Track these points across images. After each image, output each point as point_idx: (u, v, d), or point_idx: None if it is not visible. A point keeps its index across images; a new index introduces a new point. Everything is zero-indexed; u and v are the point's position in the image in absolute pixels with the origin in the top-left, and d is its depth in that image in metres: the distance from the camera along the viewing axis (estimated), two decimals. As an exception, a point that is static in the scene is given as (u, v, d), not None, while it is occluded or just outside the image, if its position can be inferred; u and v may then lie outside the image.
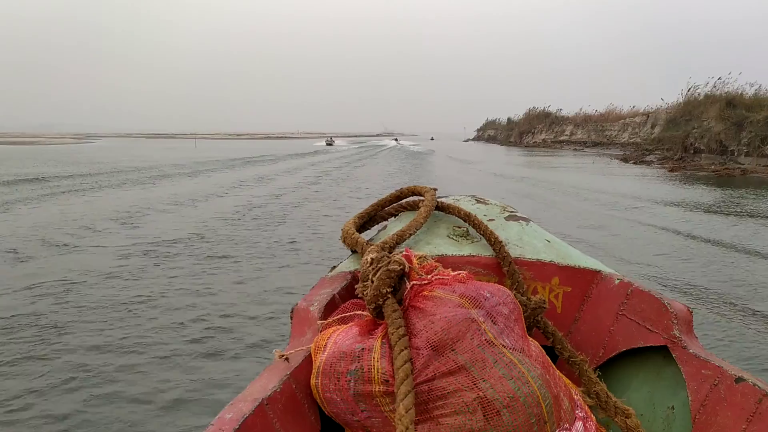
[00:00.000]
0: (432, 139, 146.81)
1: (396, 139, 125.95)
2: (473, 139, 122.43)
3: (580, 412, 1.59)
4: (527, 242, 2.15)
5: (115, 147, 73.51)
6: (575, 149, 60.17)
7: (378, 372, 1.39)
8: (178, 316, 6.32)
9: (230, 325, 6.04)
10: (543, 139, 71.89)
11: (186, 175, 27.44)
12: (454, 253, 2.04)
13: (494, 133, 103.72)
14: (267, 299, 6.99)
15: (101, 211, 14.49)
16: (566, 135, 67.99)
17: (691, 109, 39.57)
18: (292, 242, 10.49)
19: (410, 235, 2.03)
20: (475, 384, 1.36)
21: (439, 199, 2.31)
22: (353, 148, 72.70)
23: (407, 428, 1.24)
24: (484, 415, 1.34)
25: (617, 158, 42.39)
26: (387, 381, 1.38)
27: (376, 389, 1.39)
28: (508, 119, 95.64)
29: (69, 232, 11.47)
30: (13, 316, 6.35)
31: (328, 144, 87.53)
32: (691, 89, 41.98)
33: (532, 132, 76.87)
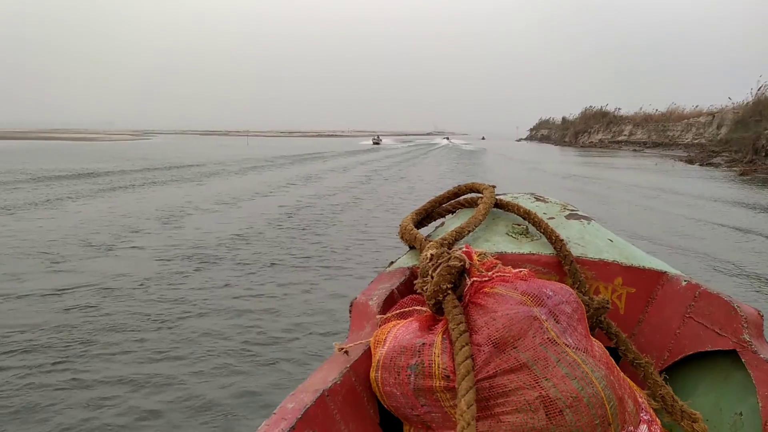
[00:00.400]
0: (483, 138, 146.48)
1: (447, 138, 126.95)
2: (525, 139, 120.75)
3: (645, 415, 1.55)
4: (589, 241, 2.10)
5: (170, 144, 75.04)
6: (635, 150, 58.28)
7: (439, 367, 1.39)
8: (220, 333, 5.80)
9: (279, 347, 5.42)
10: (600, 139, 69.96)
11: (234, 173, 27.62)
12: (514, 251, 2.02)
13: (548, 132, 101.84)
14: (319, 309, 6.54)
15: (146, 209, 14.48)
16: (625, 135, 65.96)
17: (761, 109, 37.70)
18: (342, 247, 10.04)
19: (469, 231, 2.02)
20: (537, 382, 1.35)
21: (497, 197, 2.28)
22: (403, 147, 72.38)
23: (469, 424, 1.23)
24: (547, 414, 1.32)
25: (681, 160, 40.81)
26: (448, 376, 1.38)
27: (437, 384, 1.39)
28: (563, 118, 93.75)
29: (110, 232, 11.30)
30: (34, 329, 5.82)
31: (375, 143, 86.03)
32: (762, 88, 39.93)
33: (588, 132, 74.93)
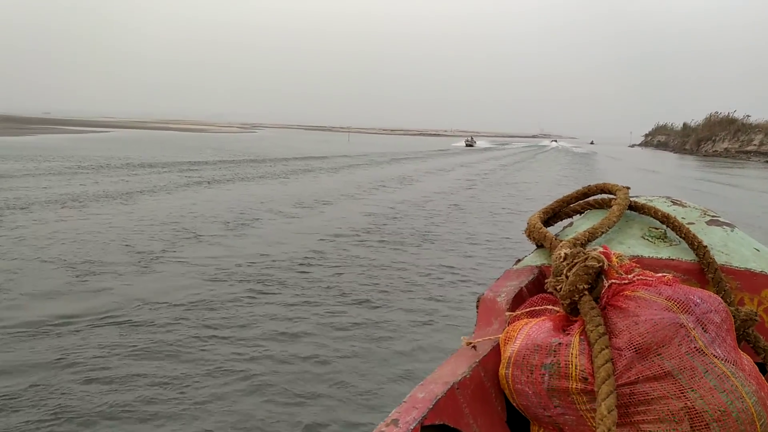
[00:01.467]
0: (592, 143, 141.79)
1: (555, 141, 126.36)
2: (639, 145, 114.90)
3: None
4: (733, 249, 1.97)
5: (274, 137, 74.78)
6: (766, 161, 53.34)
7: (576, 368, 1.37)
8: (280, 404, 4.36)
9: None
10: (726, 148, 64.75)
11: (326, 171, 27.00)
12: (651, 255, 1.93)
13: (665, 139, 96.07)
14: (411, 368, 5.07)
15: (217, 209, 13.47)
16: (754, 145, 60.54)
17: None
18: (437, 275, 8.15)
19: (602, 233, 1.95)
20: (682, 393, 1.29)
21: (631, 199, 2.19)
22: (499, 153, 68.79)
23: (609, 429, 1.21)
24: (692, 427, 1.27)
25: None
26: (585, 379, 1.35)
27: (573, 386, 1.37)
28: (684, 125, 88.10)
29: (165, 237, 10.03)
30: (6, 391, 4.23)
31: (468, 145, 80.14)
32: None
33: (712, 140, 69.54)
